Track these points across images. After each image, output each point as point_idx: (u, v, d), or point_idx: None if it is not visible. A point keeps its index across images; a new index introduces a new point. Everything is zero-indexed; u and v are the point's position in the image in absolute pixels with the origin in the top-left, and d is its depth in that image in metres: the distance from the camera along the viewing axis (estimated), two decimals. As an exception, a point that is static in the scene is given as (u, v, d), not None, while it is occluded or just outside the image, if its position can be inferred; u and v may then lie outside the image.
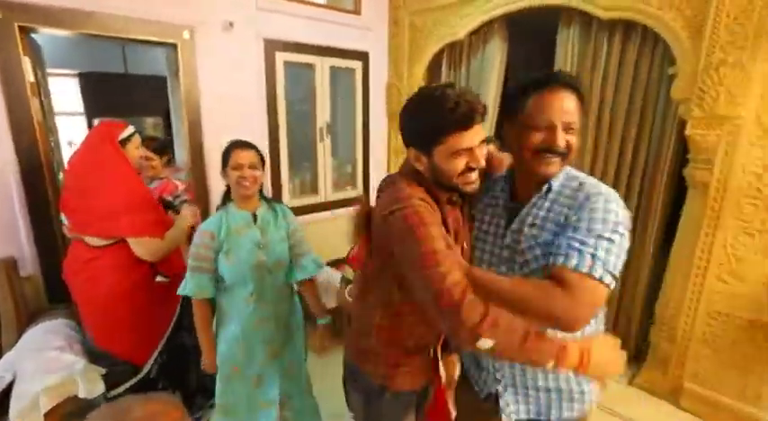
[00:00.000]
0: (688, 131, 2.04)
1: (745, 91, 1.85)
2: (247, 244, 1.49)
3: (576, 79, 0.99)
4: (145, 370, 1.76)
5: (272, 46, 2.73)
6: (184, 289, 1.49)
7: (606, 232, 0.88)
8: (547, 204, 0.99)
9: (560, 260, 0.87)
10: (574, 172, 1.03)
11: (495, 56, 2.86)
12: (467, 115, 0.91)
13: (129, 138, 1.77)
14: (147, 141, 2.10)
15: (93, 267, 1.64)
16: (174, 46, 2.39)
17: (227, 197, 1.56)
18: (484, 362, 1.13)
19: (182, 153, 2.67)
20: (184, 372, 1.97)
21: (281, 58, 2.79)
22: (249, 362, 1.54)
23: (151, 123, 4.51)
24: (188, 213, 1.93)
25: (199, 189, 2.60)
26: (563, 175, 1.01)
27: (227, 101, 2.62)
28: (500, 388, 1.09)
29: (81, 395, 1.54)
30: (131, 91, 4.38)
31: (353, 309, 1.22)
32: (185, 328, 1.97)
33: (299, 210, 2.41)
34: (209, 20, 2.46)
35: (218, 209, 1.56)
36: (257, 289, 1.50)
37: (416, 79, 3.24)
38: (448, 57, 3.15)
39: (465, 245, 1.09)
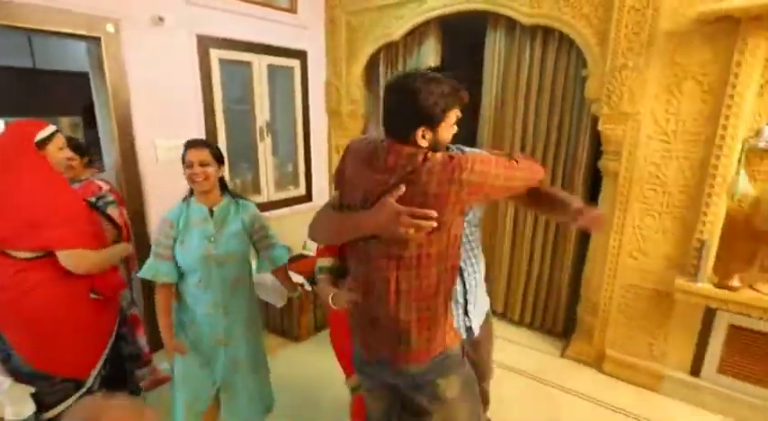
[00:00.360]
0: (600, 127, 2.30)
1: (642, 91, 2.13)
2: (198, 236, 1.58)
3: None
4: (88, 384, 1.64)
5: (205, 43, 2.65)
6: (146, 272, 1.58)
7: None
8: None
9: None
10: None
11: (430, 56, 3.00)
12: (465, 93, 1.10)
13: (49, 139, 1.61)
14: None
15: (22, 280, 1.48)
16: (97, 40, 2.23)
17: (191, 191, 1.65)
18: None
19: (110, 153, 2.50)
20: (124, 381, 1.87)
21: (215, 55, 2.71)
22: (197, 344, 1.65)
23: (68, 123, 4.11)
24: (127, 246, 1.91)
25: (131, 189, 2.46)
26: None
27: (160, 99, 2.50)
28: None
29: (8, 418, 1.41)
30: (42, 88, 3.96)
31: (392, 310, 1.15)
32: (123, 337, 1.89)
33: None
34: (136, 13, 2.33)
35: (183, 200, 1.65)
36: (204, 279, 1.59)
37: (354, 78, 3.30)
38: (385, 56, 3.25)
39: None
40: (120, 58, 2.31)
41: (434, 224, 1.03)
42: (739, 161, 1.96)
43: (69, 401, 1.59)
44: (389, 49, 3.19)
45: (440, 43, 3.03)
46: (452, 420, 1.23)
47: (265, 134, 3.13)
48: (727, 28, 1.86)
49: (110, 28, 2.26)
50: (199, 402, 1.67)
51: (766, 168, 2.08)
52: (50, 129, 1.62)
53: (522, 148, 2.76)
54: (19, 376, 1.52)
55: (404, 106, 1.07)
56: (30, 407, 1.48)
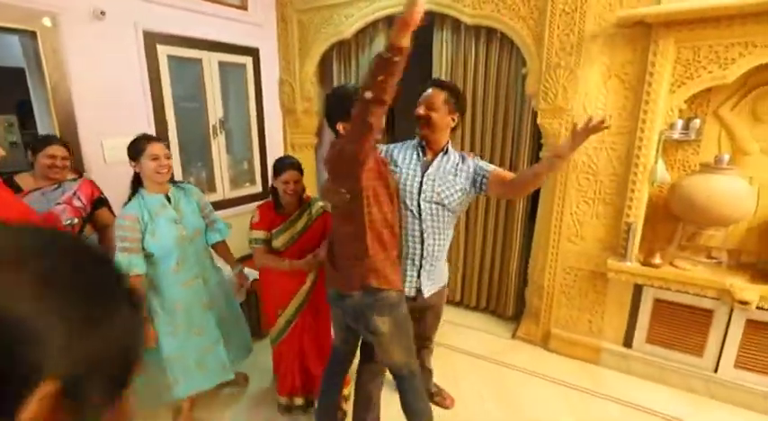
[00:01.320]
0: (539, 121, 2.47)
1: (574, 88, 2.32)
2: (166, 223, 1.78)
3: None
4: None
5: (153, 39, 2.59)
6: (121, 267, 1.65)
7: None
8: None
9: None
10: None
11: (382, 55, 3.08)
12: None
13: None
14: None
15: None
16: (33, 34, 2.14)
17: (137, 184, 1.78)
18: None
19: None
20: None
21: (163, 51, 2.66)
22: (189, 318, 1.87)
23: (1, 121, 3.87)
24: None
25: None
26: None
27: (106, 97, 2.43)
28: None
29: None
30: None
31: (338, 252, 1.56)
32: None
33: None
34: (75, 6, 2.25)
35: (131, 196, 1.77)
36: (181, 258, 1.81)
37: (308, 76, 3.33)
38: (337, 54, 3.30)
39: None
40: (61, 54, 2.23)
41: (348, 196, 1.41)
42: (657, 151, 2.18)
43: None
44: (342, 47, 3.25)
45: (390, 42, 3.11)
46: (387, 351, 1.55)
47: (218, 131, 3.09)
48: (643, 32, 2.07)
49: (46, 22, 2.17)
50: (206, 363, 1.94)
51: (681, 157, 2.33)
52: None
53: (471, 141, 2.90)
54: None
55: (331, 106, 1.48)
56: None
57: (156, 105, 2.67)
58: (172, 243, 1.77)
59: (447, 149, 1.72)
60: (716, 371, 2.24)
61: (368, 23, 2.99)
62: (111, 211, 2.15)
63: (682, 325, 2.32)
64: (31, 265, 0.34)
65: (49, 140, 1.99)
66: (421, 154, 1.73)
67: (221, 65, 3.04)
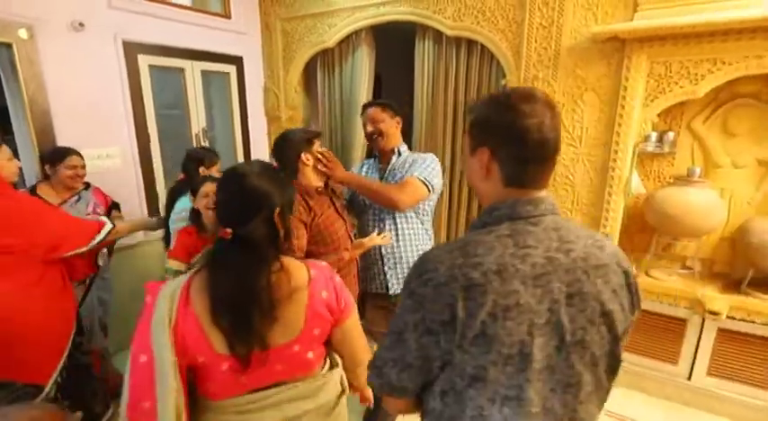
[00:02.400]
0: (518, 132, 2.49)
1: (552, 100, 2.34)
2: None
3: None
4: (46, 390, 1.58)
5: (133, 49, 2.58)
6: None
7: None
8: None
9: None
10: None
11: (364, 62, 3.10)
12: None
13: None
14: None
15: None
16: (9, 46, 2.13)
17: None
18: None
19: (29, 162, 2.38)
20: (84, 392, 1.83)
21: (144, 61, 2.65)
22: None
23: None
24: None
25: (55, 204, 2.36)
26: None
27: (85, 107, 2.42)
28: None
29: None
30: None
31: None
32: (77, 347, 1.80)
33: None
34: (52, 18, 2.24)
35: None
36: None
37: (292, 84, 3.34)
38: (321, 62, 3.31)
39: None
40: (37, 65, 2.22)
41: None
42: (632, 163, 2.22)
43: None
44: (325, 55, 3.26)
45: (373, 50, 3.13)
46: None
47: (202, 140, 3.09)
48: (617, 47, 2.10)
49: (22, 33, 2.15)
50: None
51: (656, 169, 2.38)
52: None
53: (453, 149, 2.93)
54: None
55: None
56: None
57: (138, 115, 2.66)
58: None
59: (399, 151, 1.90)
60: (689, 378, 2.28)
61: (350, 32, 3.00)
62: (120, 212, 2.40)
63: (657, 333, 2.36)
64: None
65: (67, 152, 2.12)
66: (378, 163, 1.98)
67: (204, 73, 3.04)
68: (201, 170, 2.22)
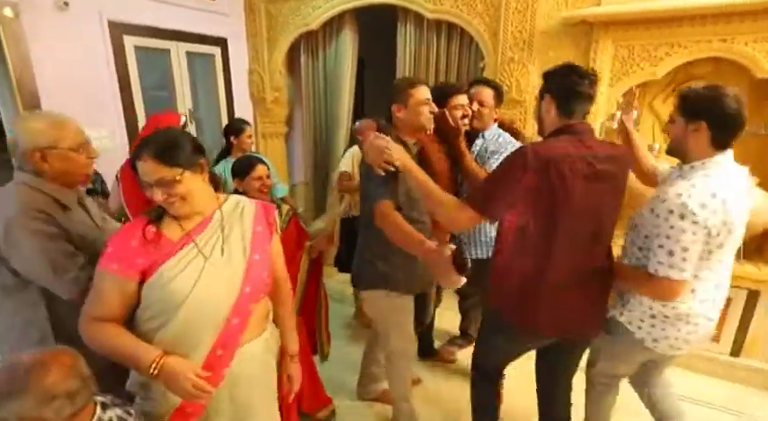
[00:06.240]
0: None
1: (527, 81, 2.50)
2: None
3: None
4: None
5: (118, 29, 2.59)
6: None
7: None
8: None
9: None
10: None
11: (348, 46, 3.18)
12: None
13: None
14: None
15: None
16: (-6, 24, 2.13)
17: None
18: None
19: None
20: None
21: (130, 42, 2.67)
22: None
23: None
24: None
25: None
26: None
27: (72, 88, 2.44)
28: None
29: None
30: None
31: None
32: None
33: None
34: (36, -3, 2.25)
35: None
36: None
37: (277, 65, 3.39)
38: (305, 45, 3.37)
39: None
40: (24, 44, 2.22)
41: None
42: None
43: None
44: (309, 37, 3.32)
45: (356, 33, 3.21)
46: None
47: (189, 121, 3.13)
48: (585, 30, 2.26)
49: (7, 12, 2.16)
50: None
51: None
52: None
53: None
54: None
55: None
56: None
57: (125, 95, 2.69)
58: None
59: (483, 134, 1.96)
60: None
61: (334, 15, 3.06)
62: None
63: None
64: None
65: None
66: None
67: (190, 55, 3.07)
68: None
